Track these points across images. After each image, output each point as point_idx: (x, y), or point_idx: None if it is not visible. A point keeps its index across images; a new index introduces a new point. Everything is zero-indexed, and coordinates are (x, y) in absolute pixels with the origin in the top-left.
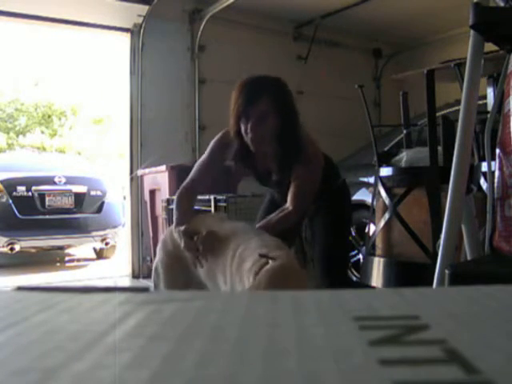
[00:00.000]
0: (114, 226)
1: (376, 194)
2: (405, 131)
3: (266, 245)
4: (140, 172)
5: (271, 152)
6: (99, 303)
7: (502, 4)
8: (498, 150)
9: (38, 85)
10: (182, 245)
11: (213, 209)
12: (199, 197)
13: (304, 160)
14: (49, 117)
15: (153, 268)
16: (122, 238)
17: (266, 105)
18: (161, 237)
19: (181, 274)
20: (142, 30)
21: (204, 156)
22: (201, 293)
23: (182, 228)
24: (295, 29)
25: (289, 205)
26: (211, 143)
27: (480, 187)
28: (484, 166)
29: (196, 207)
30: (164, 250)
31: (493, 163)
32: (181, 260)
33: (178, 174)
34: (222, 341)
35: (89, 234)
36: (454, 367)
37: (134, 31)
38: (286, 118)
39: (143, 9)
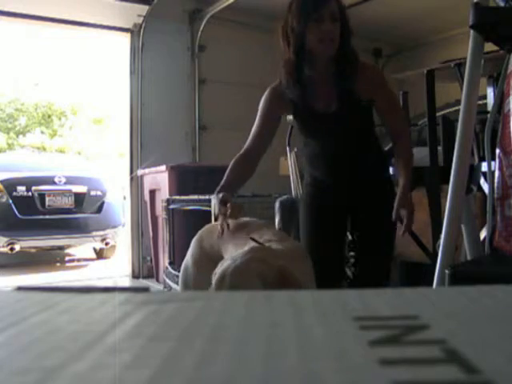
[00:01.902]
0: (114, 226)
1: None
2: None
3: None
4: (140, 172)
5: (330, 70)
6: (99, 303)
7: (501, 4)
8: (497, 150)
9: (38, 85)
10: (216, 210)
11: (212, 209)
12: (199, 197)
13: (367, 77)
14: (49, 117)
15: (183, 263)
16: (121, 238)
17: (335, 7)
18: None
19: (211, 272)
20: (142, 30)
21: (256, 120)
22: (201, 293)
23: (221, 195)
24: None
25: (394, 133)
26: (260, 104)
27: (480, 187)
28: (484, 166)
29: (196, 207)
30: (198, 246)
31: (493, 163)
32: (212, 256)
33: (178, 174)
34: (222, 341)
35: (89, 233)
36: (453, 367)
37: (134, 31)
38: (346, 28)
39: (143, 9)
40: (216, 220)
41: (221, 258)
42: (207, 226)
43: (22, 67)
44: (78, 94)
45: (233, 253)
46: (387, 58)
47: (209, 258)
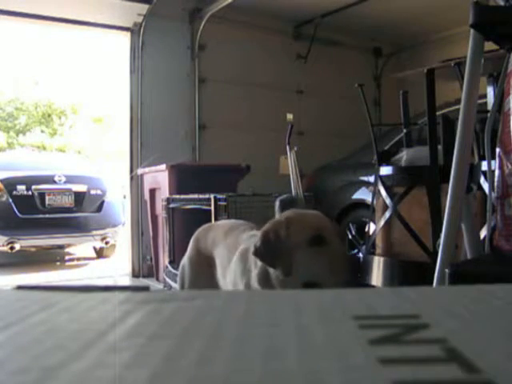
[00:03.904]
0: (114, 225)
1: (376, 193)
2: (405, 130)
3: None
4: (140, 171)
5: None
6: (99, 302)
7: (501, 3)
8: (498, 149)
9: (38, 84)
10: None
11: (213, 208)
12: (199, 196)
13: None
14: (49, 116)
15: (181, 263)
16: (121, 237)
17: None
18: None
19: (207, 272)
20: (142, 29)
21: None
22: (201, 292)
23: None
24: (295, 28)
25: None
26: None
27: (480, 186)
28: (484, 165)
29: (195, 206)
30: (194, 246)
31: (493, 162)
32: (209, 258)
33: (177, 173)
34: (222, 340)
35: (89, 232)
36: (453, 366)
37: (134, 30)
38: None
39: (143, 8)
40: None
41: (212, 258)
42: (203, 227)
43: (22, 66)
44: (78, 93)
45: (223, 254)
46: (387, 57)
47: (203, 258)
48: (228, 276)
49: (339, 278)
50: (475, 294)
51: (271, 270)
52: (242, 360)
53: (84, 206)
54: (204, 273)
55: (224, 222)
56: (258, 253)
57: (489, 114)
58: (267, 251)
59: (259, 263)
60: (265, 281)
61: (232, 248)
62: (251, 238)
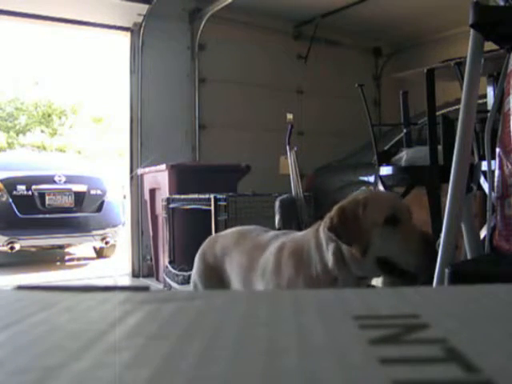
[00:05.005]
0: (114, 225)
1: None
2: (405, 130)
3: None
4: (140, 171)
5: None
6: (99, 302)
7: (501, 3)
8: (498, 149)
9: (38, 84)
10: None
11: (213, 208)
12: (199, 196)
13: None
14: (49, 116)
15: (191, 281)
16: (121, 237)
17: None
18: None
19: (220, 285)
20: (142, 29)
21: None
22: (201, 292)
23: None
24: (295, 28)
25: None
26: None
27: (480, 186)
28: (484, 165)
29: (195, 206)
30: (201, 260)
31: (493, 162)
32: (216, 267)
33: (177, 173)
34: (222, 340)
35: (89, 233)
36: (453, 366)
37: (134, 30)
38: None
39: (143, 8)
40: None
41: (224, 267)
42: (209, 239)
43: (22, 66)
44: (78, 92)
45: (239, 260)
46: (387, 57)
47: (213, 270)
48: (258, 276)
49: (414, 259)
50: (475, 293)
51: (345, 250)
52: (242, 360)
53: (84, 206)
54: (214, 283)
55: (230, 231)
56: (333, 228)
57: (489, 114)
58: (343, 228)
59: (330, 247)
60: (341, 262)
61: (254, 252)
62: (277, 237)
